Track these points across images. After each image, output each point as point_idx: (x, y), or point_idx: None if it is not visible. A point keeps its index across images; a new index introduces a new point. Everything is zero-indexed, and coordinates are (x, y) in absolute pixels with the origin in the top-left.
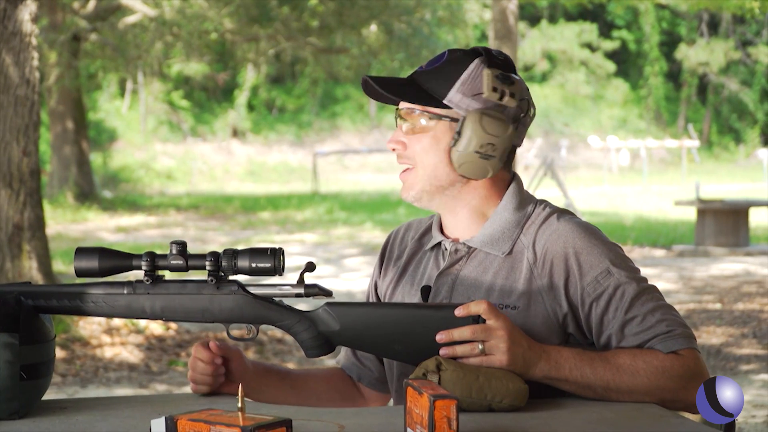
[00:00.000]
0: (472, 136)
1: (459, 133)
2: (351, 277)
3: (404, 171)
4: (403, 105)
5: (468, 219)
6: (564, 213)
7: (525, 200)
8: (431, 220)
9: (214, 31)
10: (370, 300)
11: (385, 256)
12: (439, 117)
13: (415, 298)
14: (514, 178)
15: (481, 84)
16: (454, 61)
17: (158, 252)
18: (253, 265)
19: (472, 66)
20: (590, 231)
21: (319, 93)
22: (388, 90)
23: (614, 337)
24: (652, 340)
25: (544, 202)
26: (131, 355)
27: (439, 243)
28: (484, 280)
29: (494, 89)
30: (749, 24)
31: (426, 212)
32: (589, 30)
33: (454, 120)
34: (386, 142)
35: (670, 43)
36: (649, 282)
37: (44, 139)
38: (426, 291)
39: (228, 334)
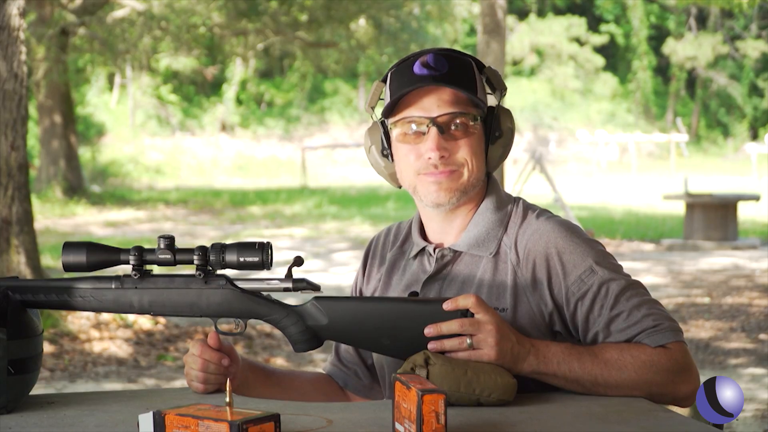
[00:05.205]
0: (507, 132)
1: (500, 131)
2: (340, 272)
3: (446, 174)
4: (451, 110)
5: (460, 220)
6: (543, 211)
7: (504, 199)
8: (410, 225)
9: (202, 25)
10: None
11: (367, 263)
12: (480, 117)
13: None
14: (489, 177)
15: (491, 82)
16: (460, 62)
17: (146, 246)
18: (241, 259)
19: (474, 66)
20: (571, 230)
21: (307, 87)
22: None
23: (601, 334)
24: (639, 335)
25: (521, 200)
26: (120, 349)
27: (423, 249)
28: (471, 283)
29: (502, 85)
30: (737, 18)
31: (408, 213)
32: (578, 24)
33: (483, 119)
34: (430, 151)
35: (658, 38)
36: (637, 277)
37: (32, 134)
38: (414, 297)
39: (216, 328)
